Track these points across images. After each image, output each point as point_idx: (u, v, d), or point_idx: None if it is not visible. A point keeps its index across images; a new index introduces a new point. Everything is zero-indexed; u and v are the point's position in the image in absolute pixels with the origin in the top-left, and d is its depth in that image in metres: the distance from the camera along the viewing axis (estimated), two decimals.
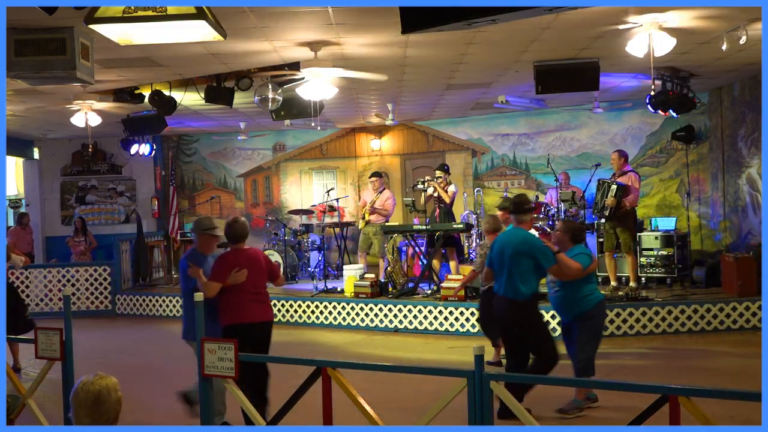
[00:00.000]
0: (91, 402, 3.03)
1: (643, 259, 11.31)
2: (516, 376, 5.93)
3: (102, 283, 13.77)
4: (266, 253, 13.44)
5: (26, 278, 13.62)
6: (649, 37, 7.70)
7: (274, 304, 11.72)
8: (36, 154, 16.37)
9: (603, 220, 10.65)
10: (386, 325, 10.83)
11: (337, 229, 14.22)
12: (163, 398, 7.66)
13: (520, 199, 6.55)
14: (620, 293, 10.24)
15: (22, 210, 16.35)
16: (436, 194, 11.67)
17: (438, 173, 11.84)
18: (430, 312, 10.50)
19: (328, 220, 14.17)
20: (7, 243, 15.23)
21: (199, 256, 6.21)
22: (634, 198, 10.36)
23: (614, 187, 10.16)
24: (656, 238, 11.33)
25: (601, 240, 11.26)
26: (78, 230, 15.14)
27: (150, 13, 5.49)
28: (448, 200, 11.64)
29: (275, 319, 11.60)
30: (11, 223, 16.82)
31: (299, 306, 11.63)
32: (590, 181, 11.51)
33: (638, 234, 11.33)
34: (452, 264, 11.64)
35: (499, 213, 8.14)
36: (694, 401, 3.51)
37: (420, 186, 11.76)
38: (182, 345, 6.74)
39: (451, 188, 11.82)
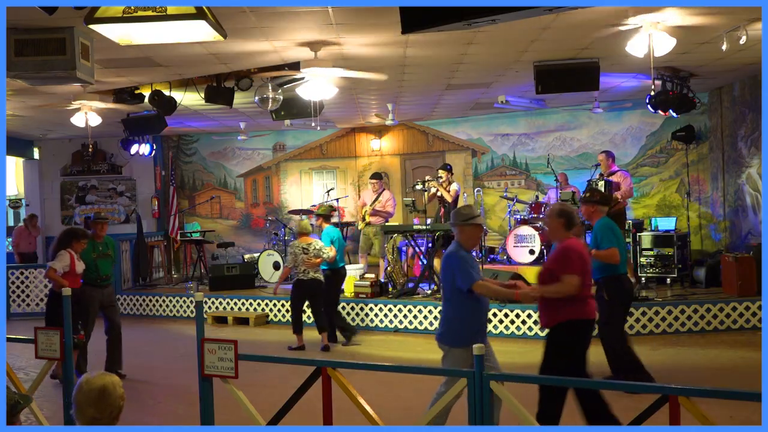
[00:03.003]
0: (96, 393, 3.06)
1: (643, 259, 11.31)
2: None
3: None
4: (266, 253, 13.56)
5: (26, 278, 13.62)
6: (649, 37, 7.70)
7: (274, 305, 11.75)
8: (36, 154, 16.37)
9: None
10: (386, 325, 10.83)
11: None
12: (164, 398, 7.66)
13: (605, 192, 7.77)
14: None
15: (22, 209, 16.37)
16: (439, 194, 11.67)
17: (441, 173, 11.86)
18: (430, 312, 10.49)
19: None
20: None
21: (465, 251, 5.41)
22: (626, 190, 10.37)
23: (601, 183, 10.19)
24: (656, 237, 11.32)
25: None
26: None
27: (150, 13, 5.49)
28: (450, 199, 11.66)
29: (275, 320, 11.74)
30: (11, 223, 16.85)
31: None
32: (590, 181, 11.51)
33: (638, 234, 11.35)
34: None
35: (317, 220, 10.21)
36: (694, 401, 3.52)
37: (420, 186, 11.76)
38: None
39: (453, 187, 11.85)
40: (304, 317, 10.12)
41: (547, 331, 5.42)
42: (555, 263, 5.36)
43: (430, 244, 11.41)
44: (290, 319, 9.94)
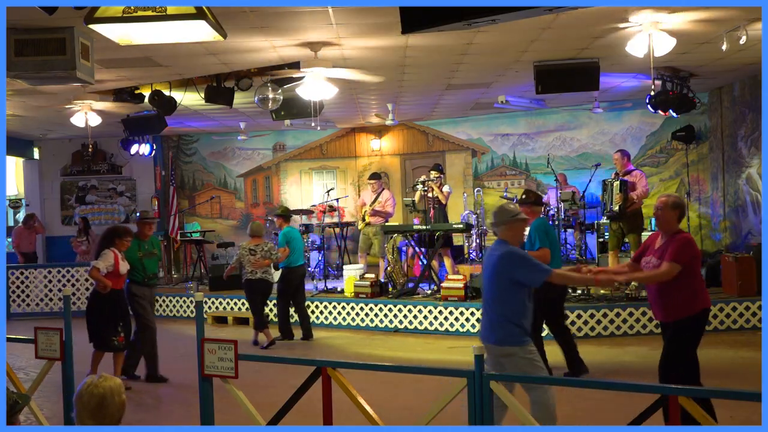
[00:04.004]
0: (94, 405, 2.98)
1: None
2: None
3: None
4: None
5: (26, 278, 13.62)
6: (649, 37, 7.70)
7: (275, 305, 11.74)
8: (36, 154, 16.38)
9: (608, 219, 10.62)
10: (386, 325, 10.82)
11: (337, 229, 14.23)
12: (164, 398, 7.67)
13: (538, 194, 7.92)
14: (621, 293, 10.24)
15: (22, 210, 16.36)
16: (431, 195, 11.66)
17: (434, 174, 11.83)
18: (430, 312, 10.49)
19: (328, 220, 14.18)
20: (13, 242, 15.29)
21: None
22: (642, 191, 10.33)
23: (617, 183, 10.17)
24: None
25: (602, 240, 11.24)
26: (81, 230, 15.14)
27: (150, 13, 5.49)
28: (444, 200, 11.67)
29: (275, 320, 11.73)
30: (11, 223, 16.84)
31: None
32: (590, 181, 11.51)
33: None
34: (447, 262, 11.65)
35: (276, 220, 10.75)
36: (694, 401, 3.51)
37: (420, 186, 11.74)
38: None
39: (446, 188, 11.86)
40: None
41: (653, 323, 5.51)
42: (672, 250, 5.26)
43: (414, 242, 11.43)
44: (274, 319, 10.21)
